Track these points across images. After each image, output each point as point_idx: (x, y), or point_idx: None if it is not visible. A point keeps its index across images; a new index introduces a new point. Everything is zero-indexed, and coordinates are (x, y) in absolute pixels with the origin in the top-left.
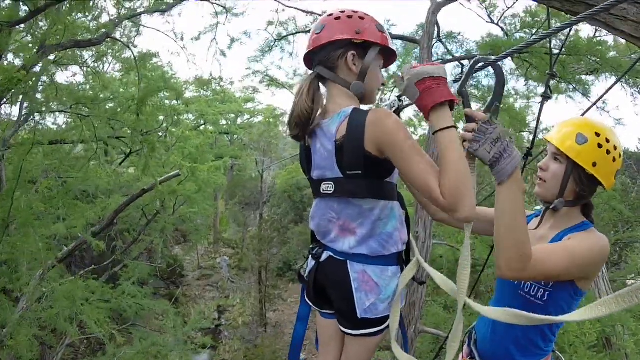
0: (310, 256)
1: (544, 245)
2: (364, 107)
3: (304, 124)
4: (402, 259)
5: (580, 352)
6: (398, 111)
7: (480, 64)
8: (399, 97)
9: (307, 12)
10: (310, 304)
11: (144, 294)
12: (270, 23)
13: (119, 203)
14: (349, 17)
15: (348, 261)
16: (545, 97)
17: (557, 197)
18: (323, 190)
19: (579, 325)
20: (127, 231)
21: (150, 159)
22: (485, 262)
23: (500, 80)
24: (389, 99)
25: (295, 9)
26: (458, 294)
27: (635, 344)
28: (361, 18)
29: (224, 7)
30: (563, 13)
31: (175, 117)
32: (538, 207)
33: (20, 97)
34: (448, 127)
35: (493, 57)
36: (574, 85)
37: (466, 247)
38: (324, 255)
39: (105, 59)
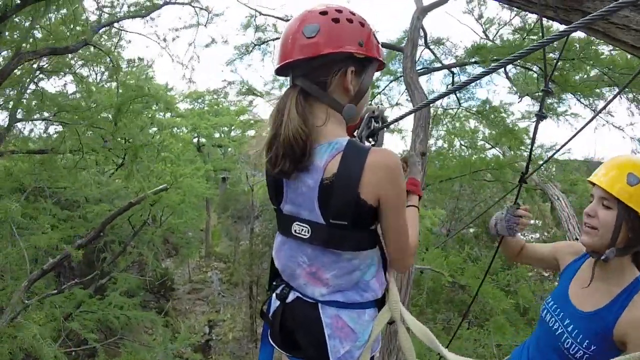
0: (275, 295)
1: None
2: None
3: (297, 156)
4: (383, 301)
5: None
6: (374, 134)
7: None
8: (374, 117)
9: (286, 20)
10: (275, 346)
11: (131, 305)
12: (246, 26)
13: (106, 213)
14: (349, 21)
15: (319, 304)
16: (540, 116)
17: (609, 246)
18: (295, 232)
19: None
20: (114, 242)
21: (132, 167)
22: (476, 292)
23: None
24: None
25: (273, 16)
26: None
27: None
28: (361, 24)
29: (204, 8)
30: (558, 23)
31: (168, 130)
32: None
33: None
34: (417, 207)
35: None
36: (578, 96)
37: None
38: (291, 296)
39: (91, 66)
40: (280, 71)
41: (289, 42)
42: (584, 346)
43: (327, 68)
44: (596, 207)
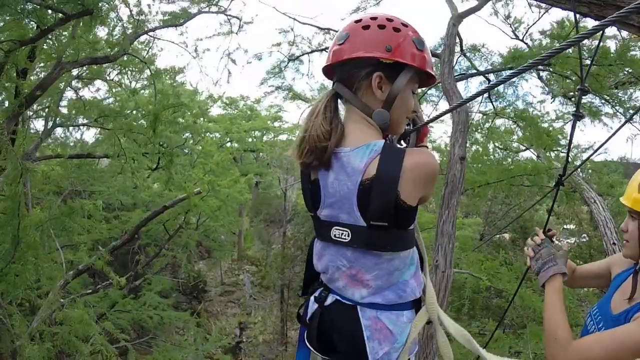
0: (313, 298)
1: (595, 334)
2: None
3: (320, 151)
4: (420, 303)
5: None
6: (405, 136)
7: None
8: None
9: (323, 29)
10: (312, 349)
11: (165, 305)
12: (277, 44)
13: (141, 217)
14: (381, 27)
15: (358, 307)
16: (577, 116)
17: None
18: (335, 237)
19: None
20: (149, 245)
21: (170, 172)
22: (514, 294)
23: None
24: None
25: (311, 25)
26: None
27: None
28: (396, 30)
29: (236, 17)
30: (592, 20)
31: (201, 135)
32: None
33: (46, 111)
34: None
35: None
36: (608, 100)
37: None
38: (329, 299)
39: (127, 73)
40: (326, 74)
41: (329, 49)
42: None
43: (356, 72)
44: (627, 221)
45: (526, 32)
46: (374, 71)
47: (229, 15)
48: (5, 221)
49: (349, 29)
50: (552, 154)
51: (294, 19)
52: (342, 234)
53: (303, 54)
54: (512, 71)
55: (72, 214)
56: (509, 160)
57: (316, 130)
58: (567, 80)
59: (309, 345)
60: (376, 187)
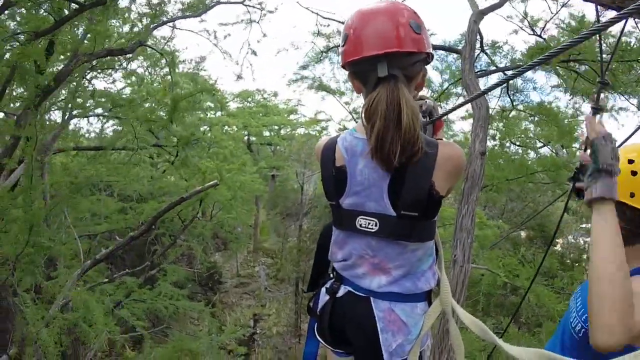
0: (324, 290)
1: None
2: None
3: (414, 148)
4: (431, 295)
5: None
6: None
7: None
8: (422, 112)
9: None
10: (322, 341)
11: (180, 295)
12: (315, 34)
13: (156, 208)
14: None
15: (372, 298)
16: (596, 109)
17: None
18: (361, 227)
19: None
20: (165, 235)
21: (186, 155)
22: (527, 289)
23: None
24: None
25: (333, 20)
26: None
27: None
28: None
29: (256, 6)
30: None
31: (220, 127)
32: None
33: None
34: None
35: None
36: (627, 97)
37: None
38: (342, 290)
39: (145, 64)
40: (359, 60)
41: (395, 32)
42: (582, 319)
43: (419, 65)
44: None
45: (544, 27)
46: (423, 65)
47: (248, 5)
48: (21, 210)
49: (417, 20)
50: (572, 150)
51: (317, 14)
52: (368, 223)
53: (334, 47)
54: (528, 64)
55: (84, 205)
56: (527, 156)
57: (411, 119)
58: (584, 78)
59: (319, 338)
60: (410, 175)
